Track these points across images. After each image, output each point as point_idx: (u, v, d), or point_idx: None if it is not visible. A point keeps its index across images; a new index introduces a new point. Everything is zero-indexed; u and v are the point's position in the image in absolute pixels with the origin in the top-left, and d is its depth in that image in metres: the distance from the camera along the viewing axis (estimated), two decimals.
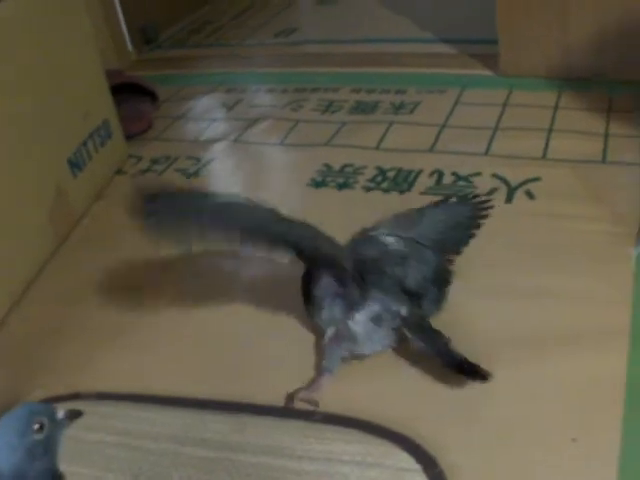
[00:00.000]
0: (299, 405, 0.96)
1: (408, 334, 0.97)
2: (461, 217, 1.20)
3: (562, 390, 0.93)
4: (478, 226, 1.18)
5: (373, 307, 0.98)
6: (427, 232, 1.12)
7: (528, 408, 0.91)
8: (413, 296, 1.01)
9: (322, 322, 1.02)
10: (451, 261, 1.12)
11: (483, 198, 1.25)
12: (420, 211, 1.18)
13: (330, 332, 1.00)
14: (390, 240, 1.08)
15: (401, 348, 1.01)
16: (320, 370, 0.99)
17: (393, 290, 1.00)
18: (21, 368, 1.10)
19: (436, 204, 1.23)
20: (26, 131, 1.28)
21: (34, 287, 1.27)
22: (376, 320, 0.98)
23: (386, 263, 1.03)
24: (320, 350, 1.02)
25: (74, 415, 0.76)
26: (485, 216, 1.20)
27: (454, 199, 1.29)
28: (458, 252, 1.14)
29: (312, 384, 0.98)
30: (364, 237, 1.12)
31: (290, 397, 0.97)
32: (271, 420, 0.95)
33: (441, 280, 1.07)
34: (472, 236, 1.17)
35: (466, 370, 0.92)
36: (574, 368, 0.95)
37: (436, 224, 1.16)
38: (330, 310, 1.00)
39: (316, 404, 0.96)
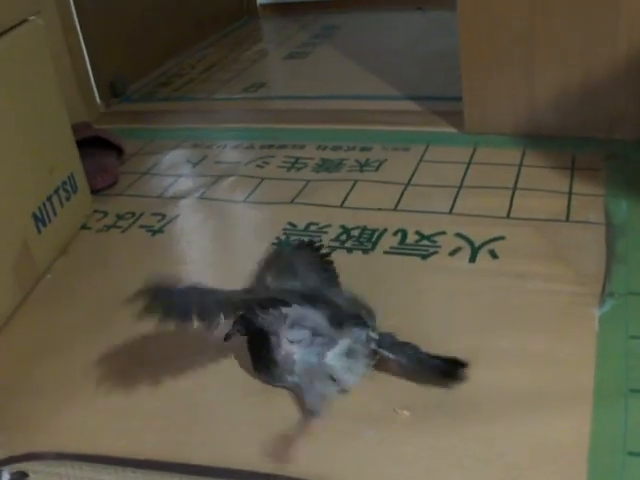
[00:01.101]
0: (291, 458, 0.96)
1: (387, 354, 1.04)
2: (314, 257, 1.23)
3: (525, 453, 0.92)
4: (331, 262, 1.22)
5: (344, 342, 1.02)
6: (306, 278, 1.14)
7: (489, 474, 0.90)
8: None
9: (294, 379, 1.03)
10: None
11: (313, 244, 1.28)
12: (286, 262, 1.18)
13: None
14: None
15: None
16: (310, 412, 1.00)
17: (350, 323, 1.04)
18: None
19: (283, 252, 1.25)
20: None
21: None
22: (350, 354, 1.02)
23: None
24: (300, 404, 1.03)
25: (18, 477, 0.75)
26: (329, 254, 1.25)
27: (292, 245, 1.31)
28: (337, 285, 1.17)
29: (305, 429, 0.99)
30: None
31: (282, 449, 0.97)
32: None
33: (357, 301, 1.10)
34: (335, 271, 1.20)
35: (449, 372, 1.01)
36: (536, 431, 0.95)
37: (305, 268, 1.17)
38: (303, 363, 1.02)
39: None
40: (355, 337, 1.03)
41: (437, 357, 1.03)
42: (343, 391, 1.03)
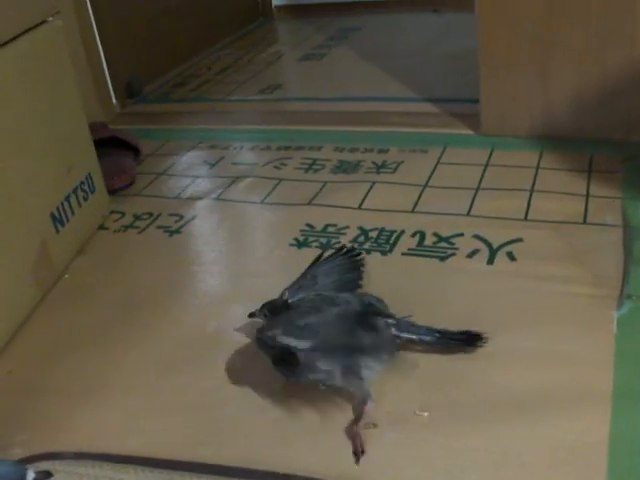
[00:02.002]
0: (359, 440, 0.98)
1: (408, 335, 1.09)
2: (343, 264, 1.26)
3: (542, 454, 0.92)
4: (362, 265, 1.27)
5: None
6: (325, 285, 1.18)
7: (507, 475, 0.91)
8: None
9: (316, 376, 1.03)
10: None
11: (353, 250, 1.31)
12: (310, 273, 1.22)
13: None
14: (311, 296, 1.13)
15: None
16: (362, 400, 1.02)
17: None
18: (1, 423, 1.09)
19: (317, 263, 1.25)
20: (10, 186, 1.28)
21: (15, 341, 1.27)
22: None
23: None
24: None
25: (43, 477, 0.76)
26: (361, 258, 1.29)
27: (327, 254, 1.30)
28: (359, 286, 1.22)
29: (362, 416, 1.00)
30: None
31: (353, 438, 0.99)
32: None
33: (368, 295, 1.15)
34: (362, 273, 1.25)
35: (470, 341, 1.09)
36: (554, 432, 0.95)
37: (328, 276, 1.21)
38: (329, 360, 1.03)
39: (374, 425, 1.00)
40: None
41: (453, 331, 1.10)
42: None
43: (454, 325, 1.11)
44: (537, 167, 1.59)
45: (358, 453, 0.96)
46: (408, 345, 1.10)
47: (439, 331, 1.09)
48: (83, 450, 1.02)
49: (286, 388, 1.07)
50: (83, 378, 1.16)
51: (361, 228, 1.44)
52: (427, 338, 1.09)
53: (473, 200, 1.50)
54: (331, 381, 1.03)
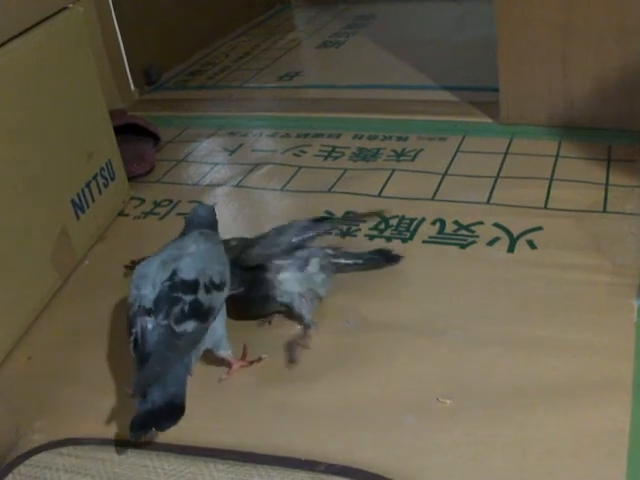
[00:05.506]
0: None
1: (344, 260, 1.27)
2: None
3: (564, 442, 0.93)
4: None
5: (315, 260, 1.21)
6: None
7: (530, 461, 0.91)
8: None
9: (283, 299, 1.18)
10: None
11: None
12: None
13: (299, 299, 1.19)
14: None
15: None
16: (306, 325, 1.16)
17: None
18: (21, 410, 1.10)
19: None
20: (31, 173, 1.28)
21: (35, 328, 1.27)
22: (322, 268, 1.22)
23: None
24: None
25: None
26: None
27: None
28: None
29: (305, 336, 1.15)
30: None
31: (290, 348, 1.14)
32: (276, 470, 0.94)
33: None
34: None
35: (391, 259, 1.29)
36: (575, 420, 0.95)
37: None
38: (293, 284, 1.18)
39: (307, 347, 1.14)
40: (321, 255, 1.22)
41: (377, 252, 1.30)
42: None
43: (474, 314, 1.15)
44: (557, 156, 1.59)
45: (293, 361, 1.11)
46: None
47: (367, 254, 1.29)
48: (105, 436, 1.03)
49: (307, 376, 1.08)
50: (102, 365, 1.17)
51: (381, 216, 1.44)
52: (360, 261, 1.28)
53: (493, 188, 1.50)
54: (291, 303, 1.18)
